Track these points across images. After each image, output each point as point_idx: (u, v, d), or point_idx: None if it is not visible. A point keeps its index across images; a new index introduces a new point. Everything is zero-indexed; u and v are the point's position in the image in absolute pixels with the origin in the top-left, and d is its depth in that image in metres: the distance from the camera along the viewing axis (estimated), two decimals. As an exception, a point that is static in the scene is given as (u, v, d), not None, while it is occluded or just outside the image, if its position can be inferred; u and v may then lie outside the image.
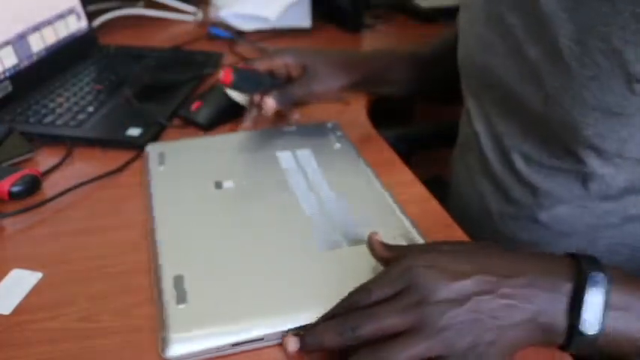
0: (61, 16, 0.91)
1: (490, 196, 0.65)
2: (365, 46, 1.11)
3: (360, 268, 0.47)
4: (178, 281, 0.46)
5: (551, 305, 0.40)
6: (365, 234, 0.49)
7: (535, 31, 0.53)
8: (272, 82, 0.68)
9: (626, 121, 0.48)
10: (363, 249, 0.48)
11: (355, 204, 0.56)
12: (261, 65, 0.67)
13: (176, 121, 0.76)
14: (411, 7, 1.22)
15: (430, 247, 0.44)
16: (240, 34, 1.08)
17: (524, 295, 0.40)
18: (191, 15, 1.18)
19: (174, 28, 1.16)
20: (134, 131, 0.71)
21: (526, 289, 0.40)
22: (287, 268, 0.48)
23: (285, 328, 0.43)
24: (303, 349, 0.41)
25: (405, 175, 0.65)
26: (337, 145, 0.67)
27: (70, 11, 0.93)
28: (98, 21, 1.09)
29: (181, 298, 0.45)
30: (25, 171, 0.61)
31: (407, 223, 0.53)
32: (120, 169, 0.66)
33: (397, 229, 0.53)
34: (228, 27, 1.09)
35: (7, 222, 0.58)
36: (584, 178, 0.55)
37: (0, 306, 0.47)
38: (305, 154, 0.65)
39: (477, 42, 0.61)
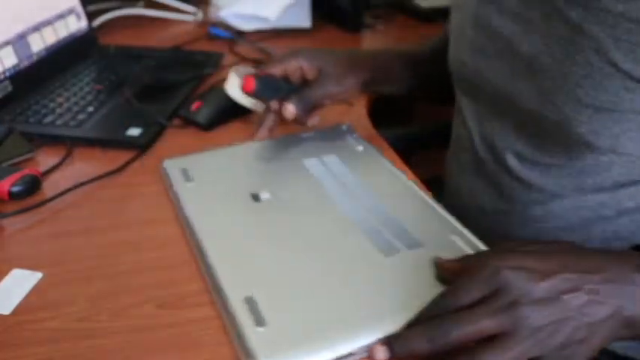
0: (61, 16, 0.91)
1: (483, 194, 0.65)
2: (365, 46, 1.11)
3: (427, 271, 0.46)
4: (251, 303, 0.44)
5: (632, 298, 0.41)
6: (418, 235, 0.51)
7: (525, 31, 0.53)
8: (289, 87, 0.67)
9: (619, 117, 0.49)
10: (423, 252, 0.48)
11: (397, 206, 0.55)
12: (276, 69, 0.66)
13: (176, 121, 0.76)
14: (411, 7, 1.22)
15: (512, 248, 0.44)
16: (240, 34, 1.08)
17: (607, 291, 0.40)
18: (191, 15, 1.18)
19: (174, 28, 1.16)
20: (134, 131, 0.71)
21: (608, 285, 0.41)
22: (356, 278, 0.46)
23: (373, 339, 0.41)
24: (392, 357, 0.40)
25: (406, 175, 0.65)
26: (359, 148, 0.66)
27: (70, 11, 0.93)
28: (98, 21, 1.09)
29: (259, 320, 0.42)
30: (25, 171, 0.61)
31: (453, 221, 0.53)
32: (120, 169, 0.66)
33: (447, 227, 0.52)
34: (228, 27, 1.09)
35: (7, 222, 0.58)
36: (578, 174, 0.55)
37: (0, 306, 0.47)
38: (332, 159, 0.63)
39: (467, 44, 0.62)
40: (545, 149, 0.56)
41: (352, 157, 0.64)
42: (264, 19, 1.07)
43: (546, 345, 0.39)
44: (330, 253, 0.49)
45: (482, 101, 0.62)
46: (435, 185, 0.65)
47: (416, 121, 1.28)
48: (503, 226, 0.64)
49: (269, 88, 0.65)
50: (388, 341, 0.40)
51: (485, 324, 0.39)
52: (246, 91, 0.63)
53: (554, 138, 0.54)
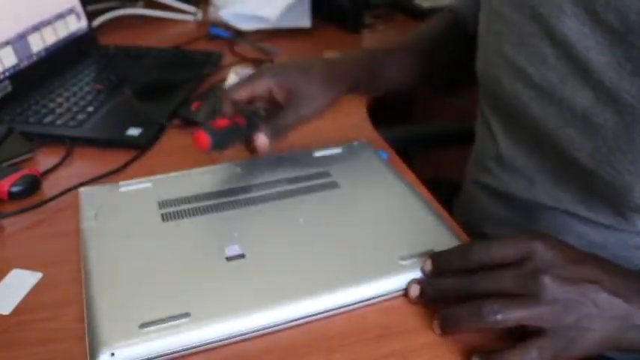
0: (60, 16, 0.91)
1: (507, 220, 0.62)
2: (365, 45, 1.11)
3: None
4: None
5: None
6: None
7: (580, 73, 0.49)
8: (252, 121, 0.59)
9: None
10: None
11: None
12: (243, 93, 0.58)
13: (176, 121, 0.76)
14: (412, 6, 1.22)
15: (552, 235, 0.45)
16: (240, 34, 1.08)
17: (625, 294, 0.41)
18: (191, 15, 1.18)
19: (174, 28, 1.16)
20: (134, 131, 0.71)
21: (628, 290, 0.41)
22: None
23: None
24: (422, 297, 0.46)
25: (406, 175, 0.65)
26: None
27: (70, 11, 0.93)
28: (98, 21, 1.09)
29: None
30: (25, 171, 0.61)
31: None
32: (120, 169, 0.66)
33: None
34: (228, 27, 1.09)
35: (7, 222, 0.58)
36: (624, 232, 0.53)
37: (0, 306, 0.47)
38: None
39: (504, 63, 0.57)
40: (590, 204, 0.54)
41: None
42: (264, 19, 1.07)
43: (557, 318, 0.40)
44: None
45: (521, 134, 0.58)
46: (436, 185, 0.65)
47: (416, 121, 1.28)
48: None
49: (228, 134, 0.58)
50: (419, 283, 0.46)
51: (508, 284, 0.41)
52: (202, 149, 0.55)
53: (605, 198, 0.52)
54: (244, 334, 0.43)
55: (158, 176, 0.62)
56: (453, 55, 0.75)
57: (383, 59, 0.70)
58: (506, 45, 0.56)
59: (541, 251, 0.41)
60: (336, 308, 0.46)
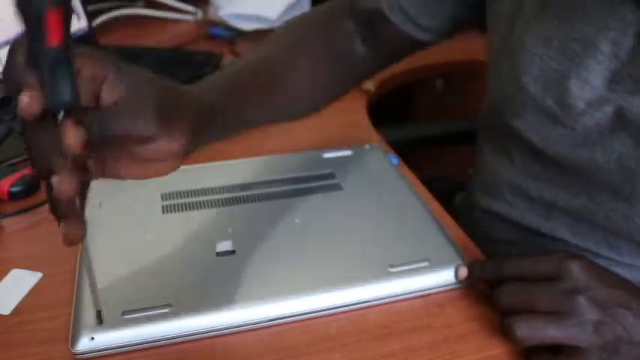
0: (61, 16, 0.91)
1: (516, 242, 0.60)
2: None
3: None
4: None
5: None
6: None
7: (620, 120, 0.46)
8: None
9: None
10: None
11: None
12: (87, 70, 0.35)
13: (176, 121, 0.76)
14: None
15: (588, 257, 0.44)
16: (240, 34, 1.08)
17: None
18: (191, 15, 1.18)
19: (174, 28, 1.16)
20: (134, 131, 0.71)
21: None
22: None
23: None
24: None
25: (405, 175, 0.65)
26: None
27: (70, 11, 0.93)
28: (98, 21, 1.08)
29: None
30: (25, 171, 0.61)
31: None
32: (120, 169, 0.65)
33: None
34: (228, 27, 1.09)
35: (7, 222, 0.58)
36: None
37: (0, 306, 0.47)
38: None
39: (526, 98, 0.51)
40: (612, 245, 0.52)
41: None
42: (265, 19, 1.07)
43: (590, 339, 0.40)
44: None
45: (541, 161, 0.54)
46: (436, 185, 0.65)
47: (416, 121, 1.28)
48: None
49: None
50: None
51: (542, 299, 0.41)
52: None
53: (631, 241, 0.51)
54: (225, 328, 0.44)
55: None
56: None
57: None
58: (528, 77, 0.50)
59: (576, 271, 0.41)
60: (317, 311, 0.46)
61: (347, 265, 0.49)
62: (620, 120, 0.46)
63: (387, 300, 0.47)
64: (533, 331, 0.40)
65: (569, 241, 0.55)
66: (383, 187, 0.60)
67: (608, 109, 0.47)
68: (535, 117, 0.51)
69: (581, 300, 0.40)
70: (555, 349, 0.41)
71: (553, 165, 0.53)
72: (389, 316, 0.46)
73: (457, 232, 0.56)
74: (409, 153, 0.75)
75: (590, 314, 0.40)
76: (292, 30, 0.62)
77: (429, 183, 0.63)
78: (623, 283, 0.43)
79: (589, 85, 0.46)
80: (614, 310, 0.40)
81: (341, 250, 0.51)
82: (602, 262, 0.44)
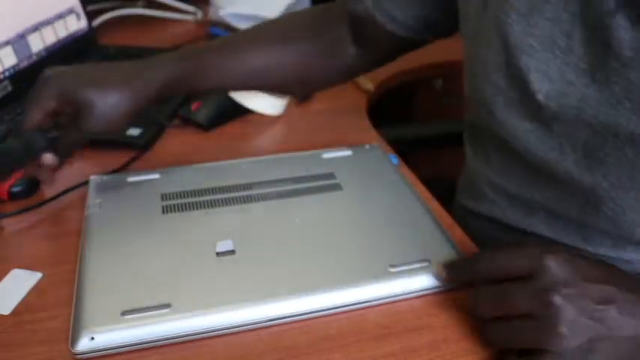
0: (60, 16, 0.91)
1: (503, 242, 0.60)
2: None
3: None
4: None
5: None
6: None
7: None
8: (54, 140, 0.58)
9: None
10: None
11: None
12: (35, 119, 0.54)
13: (176, 121, 0.76)
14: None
15: (565, 249, 0.43)
16: (240, 34, 1.08)
17: (638, 313, 0.40)
18: (191, 15, 1.18)
19: (174, 28, 1.16)
20: (134, 131, 0.71)
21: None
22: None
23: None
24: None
25: (406, 175, 0.65)
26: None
27: (70, 11, 0.93)
28: (98, 21, 1.08)
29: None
30: (25, 171, 0.61)
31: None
32: (120, 169, 0.66)
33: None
34: (228, 27, 1.09)
35: (7, 222, 0.58)
36: (623, 264, 0.51)
37: (0, 306, 0.47)
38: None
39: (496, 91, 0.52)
40: (587, 237, 0.52)
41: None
42: (265, 19, 1.07)
43: (565, 341, 0.38)
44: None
45: (513, 156, 0.55)
46: (436, 185, 0.65)
47: (416, 121, 1.28)
48: None
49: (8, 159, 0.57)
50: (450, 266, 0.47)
51: (515, 302, 0.40)
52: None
53: (605, 233, 0.50)
54: (225, 328, 0.44)
55: (167, 169, 0.62)
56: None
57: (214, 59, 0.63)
58: (491, 74, 0.52)
59: (553, 267, 0.40)
60: (317, 311, 0.46)
61: (347, 265, 0.49)
62: (581, 113, 0.47)
63: (387, 300, 0.47)
64: (507, 339, 0.40)
65: (549, 237, 0.55)
66: (383, 187, 0.60)
67: (568, 102, 0.47)
68: (504, 112, 0.52)
69: (557, 300, 0.39)
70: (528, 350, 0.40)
71: (525, 161, 0.53)
72: (389, 316, 0.46)
73: (457, 232, 0.56)
74: (409, 153, 0.75)
75: (566, 313, 0.38)
76: (284, 21, 0.70)
77: (429, 183, 0.63)
78: (607, 276, 0.41)
79: (548, 78, 0.47)
80: (592, 307, 0.39)
81: (341, 250, 0.51)
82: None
